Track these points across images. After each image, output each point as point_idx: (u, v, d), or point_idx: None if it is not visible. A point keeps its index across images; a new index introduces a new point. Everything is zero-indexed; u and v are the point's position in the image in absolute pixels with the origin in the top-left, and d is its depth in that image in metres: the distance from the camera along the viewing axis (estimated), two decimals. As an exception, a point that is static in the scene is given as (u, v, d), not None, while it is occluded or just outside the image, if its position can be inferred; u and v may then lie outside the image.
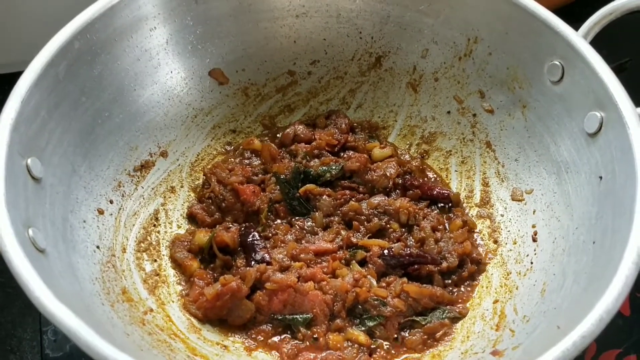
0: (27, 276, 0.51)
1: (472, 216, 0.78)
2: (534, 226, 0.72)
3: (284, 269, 0.69)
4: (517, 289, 0.67)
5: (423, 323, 0.67)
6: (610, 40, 0.73)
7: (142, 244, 0.72)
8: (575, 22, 0.71)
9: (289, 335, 0.67)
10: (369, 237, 0.74)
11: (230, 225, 0.76)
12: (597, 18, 0.71)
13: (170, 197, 0.78)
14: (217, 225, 0.75)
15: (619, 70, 0.67)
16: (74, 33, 0.67)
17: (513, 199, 0.76)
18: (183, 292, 0.71)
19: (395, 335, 0.67)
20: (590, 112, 0.66)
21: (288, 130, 0.83)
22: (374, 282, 0.69)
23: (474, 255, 0.73)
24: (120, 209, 0.73)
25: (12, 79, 0.63)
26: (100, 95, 0.72)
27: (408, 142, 0.85)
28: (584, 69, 0.67)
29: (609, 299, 0.52)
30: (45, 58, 0.64)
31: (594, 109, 0.66)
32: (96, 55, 0.70)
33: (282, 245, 0.73)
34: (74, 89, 0.68)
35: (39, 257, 0.55)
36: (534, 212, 0.73)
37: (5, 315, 0.78)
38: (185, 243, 0.74)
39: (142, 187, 0.76)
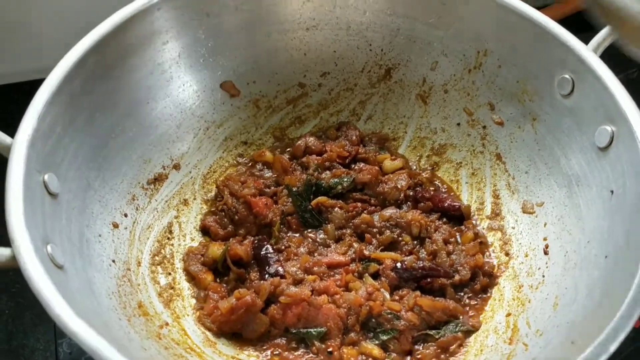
0: (48, 294, 0.51)
1: (483, 228, 0.78)
2: (545, 239, 0.72)
3: (297, 282, 0.70)
4: (529, 302, 0.68)
5: (436, 337, 0.67)
6: (618, 51, 0.73)
7: (157, 257, 0.73)
8: (582, 32, 0.71)
9: (303, 349, 0.67)
10: (381, 250, 0.74)
11: (244, 239, 0.76)
12: (607, 32, 0.71)
13: (183, 210, 0.78)
14: (231, 238, 0.76)
15: (627, 82, 0.68)
16: (88, 48, 0.67)
17: (524, 212, 0.76)
18: (197, 305, 0.71)
19: (409, 349, 0.67)
20: (601, 126, 0.66)
21: (299, 142, 0.83)
22: (387, 296, 0.69)
23: (486, 268, 0.73)
24: (134, 222, 0.73)
25: (20, 87, 0.63)
26: (114, 109, 0.72)
27: (418, 154, 0.85)
28: (595, 83, 0.67)
29: (623, 315, 0.52)
30: (60, 74, 0.64)
31: (605, 123, 0.66)
32: (110, 70, 0.71)
33: (295, 258, 0.73)
34: (88, 104, 0.68)
35: (58, 273, 0.56)
36: (545, 225, 0.73)
37: (17, 325, 0.78)
38: (199, 256, 0.74)
39: (156, 200, 0.77)
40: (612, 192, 0.64)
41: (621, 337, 0.51)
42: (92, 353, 0.49)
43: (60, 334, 0.76)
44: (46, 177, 0.61)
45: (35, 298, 0.52)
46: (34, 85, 0.63)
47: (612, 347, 0.51)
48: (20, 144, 0.59)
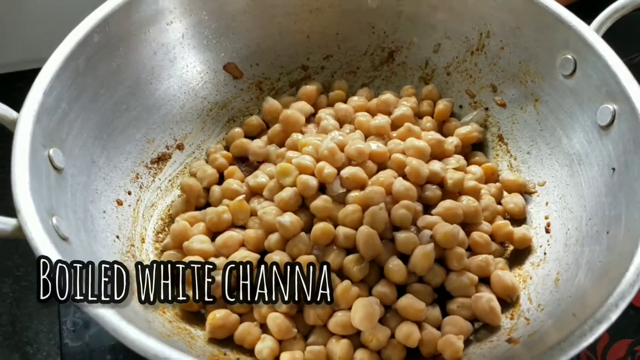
0: (54, 263, 0.52)
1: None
2: (546, 218, 0.72)
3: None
4: (530, 278, 0.68)
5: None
6: (620, 36, 0.74)
7: (161, 235, 0.73)
8: (587, 18, 0.72)
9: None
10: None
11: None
12: (609, 12, 0.71)
13: (187, 189, 0.79)
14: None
15: (630, 66, 0.68)
16: (93, 26, 0.68)
17: (525, 192, 0.76)
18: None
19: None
20: (603, 104, 0.66)
21: (301, 124, 0.83)
22: None
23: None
24: (138, 200, 0.73)
25: (25, 76, 0.64)
26: (118, 88, 0.73)
27: (421, 136, 0.85)
28: (596, 62, 0.67)
29: (625, 286, 0.52)
30: (65, 51, 0.65)
31: (607, 102, 0.66)
32: (114, 49, 0.71)
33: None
34: (93, 81, 0.69)
35: (63, 245, 0.56)
36: (547, 204, 0.73)
37: (21, 309, 0.79)
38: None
39: (160, 179, 0.77)
40: (613, 169, 0.64)
41: (622, 307, 0.52)
42: (98, 319, 0.49)
43: (64, 313, 0.76)
44: (51, 151, 0.61)
45: (40, 282, 0.52)
46: (38, 74, 0.64)
47: (613, 317, 0.51)
48: (26, 118, 0.59)
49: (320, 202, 0.67)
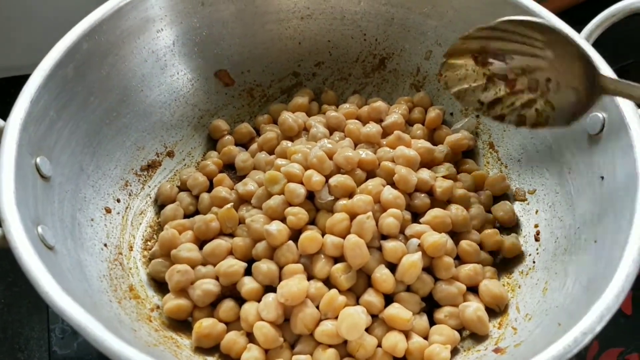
0: (37, 272, 0.51)
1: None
2: (536, 226, 0.72)
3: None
4: (519, 287, 0.68)
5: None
6: (613, 43, 0.74)
7: (149, 243, 0.73)
8: (577, 25, 0.71)
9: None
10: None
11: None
12: (600, 20, 0.71)
13: (176, 197, 0.78)
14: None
15: (621, 73, 0.68)
16: (83, 34, 0.68)
17: (516, 199, 0.76)
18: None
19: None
20: (593, 113, 0.66)
21: (293, 131, 0.83)
22: None
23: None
24: (127, 207, 0.73)
25: (18, 82, 0.64)
26: (108, 95, 0.72)
27: (412, 143, 0.85)
28: (586, 70, 0.67)
29: (610, 296, 0.52)
30: (54, 59, 0.65)
31: (596, 110, 0.66)
32: (104, 57, 0.71)
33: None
34: (82, 89, 0.69)
35: (49, 254, 0.56)
36: (537, 212, 0.73)
37: (12, 314, 0.79)
38: (191, 241, 0.74)
39: (149, 187, 0.77)
40: (602, 178, 0.64)
41: (607, 318, 0.51)
42: (80, 330, 0.49)
43: (53, 320, 0.76)
44: (38, 160, 0.61)
45: (31, 287, 0.52)
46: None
47: (598, 328, 0.51)
48: (12, 126, 0.59)
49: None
